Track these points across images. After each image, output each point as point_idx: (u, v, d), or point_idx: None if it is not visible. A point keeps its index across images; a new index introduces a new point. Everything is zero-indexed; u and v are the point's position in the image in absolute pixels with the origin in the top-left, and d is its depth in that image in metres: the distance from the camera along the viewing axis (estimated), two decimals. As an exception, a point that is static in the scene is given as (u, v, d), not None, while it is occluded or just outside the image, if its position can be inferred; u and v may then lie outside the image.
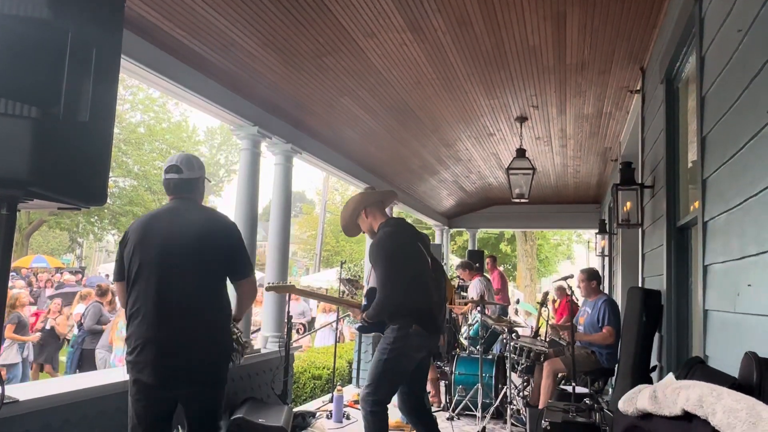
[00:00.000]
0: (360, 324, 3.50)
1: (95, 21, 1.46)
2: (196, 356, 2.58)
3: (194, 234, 2.65)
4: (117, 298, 3.29)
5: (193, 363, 2.57)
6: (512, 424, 5.11)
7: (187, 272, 2.62)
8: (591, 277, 5.36)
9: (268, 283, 4.44)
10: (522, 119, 5.45)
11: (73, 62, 1.37)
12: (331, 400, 5.55)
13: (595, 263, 10.84)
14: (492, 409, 5.31)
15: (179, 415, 2.70)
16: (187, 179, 2.77)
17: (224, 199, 33.72)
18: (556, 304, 10.12)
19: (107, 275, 17.07)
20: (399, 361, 3.28)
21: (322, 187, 25.98)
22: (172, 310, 2.57)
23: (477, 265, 8.38)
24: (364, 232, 3.75)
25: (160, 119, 22.12)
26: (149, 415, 2.57)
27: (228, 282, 2.79)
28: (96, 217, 20.69)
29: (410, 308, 3.28)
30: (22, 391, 2.84)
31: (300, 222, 30.56)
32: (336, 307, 7.93)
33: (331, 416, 5.30)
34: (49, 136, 1.34)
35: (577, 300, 5.41)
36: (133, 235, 2.65)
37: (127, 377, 2.63)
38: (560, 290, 9.61)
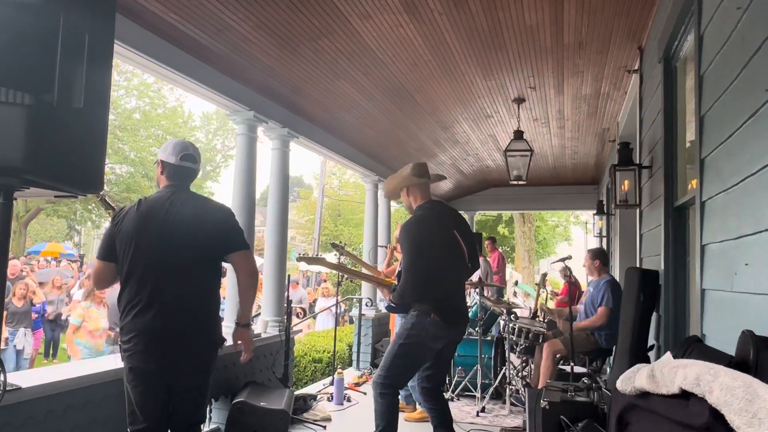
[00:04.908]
0: (388, 304, 3.52)
1: (87, 5, 1.44)
2: (190, 345, 2.62)
3: (194, 225, 2.66)
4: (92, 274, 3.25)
5: (187, 352, 2.61)
6: (511, 404, 5.17)
7: (187, 265, 2.64)
8: (594, 256, 5.35)
9: (299, 254, 4.31)
10: (519, 101, 5.42)
11: (65, 47, 1.35)
12: (331, 383, 5.60)
13: (593, 244, 10.87)
14: (491, 389, 5.37)
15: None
16: (196, 170, 2.83)
17: (221, 185, 33.61)
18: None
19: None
20: (414, 347, 3.28)
21: (320, 171, 25.85)
22: (171, 302, 2.58)
23: (477, 247, 8.38)
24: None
25: (156, 105, 21.89)
26: (146, 401, 2.59)
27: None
28: (93, 205, 20.61)
29: (430, 297, 3.27)
30: (24, 378, 2.85)
31: (298, 206, 30.48)
32: (335, 291, 7.94)
33: (332, 399, 5.35)
34: (44, 123, 1.32)
35: (575, 281, 5.43)
36: (131, 223, 2.63)
37: (122, 364, 2.65)
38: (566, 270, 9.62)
